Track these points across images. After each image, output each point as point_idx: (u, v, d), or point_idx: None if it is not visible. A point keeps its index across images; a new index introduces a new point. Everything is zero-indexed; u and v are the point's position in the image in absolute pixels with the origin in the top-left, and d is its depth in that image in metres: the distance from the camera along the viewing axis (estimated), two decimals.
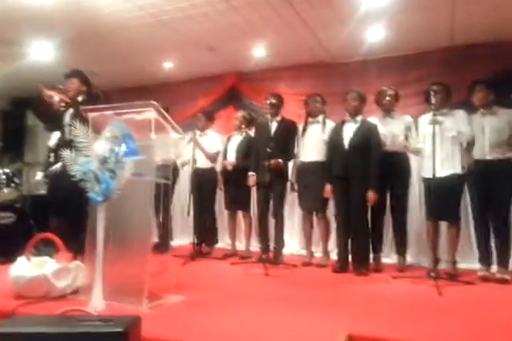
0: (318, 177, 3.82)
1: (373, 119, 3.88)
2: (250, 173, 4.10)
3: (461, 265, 3.83)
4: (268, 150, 3.75)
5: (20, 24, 4.10)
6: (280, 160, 3.87)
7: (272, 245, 4.11)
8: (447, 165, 3.42)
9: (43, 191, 4.61)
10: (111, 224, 2.43)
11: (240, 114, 4.62)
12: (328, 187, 3.73)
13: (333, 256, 3.99)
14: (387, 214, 3.94)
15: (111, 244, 2.43)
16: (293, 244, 4.84)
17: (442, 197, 3.31)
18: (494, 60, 4.22)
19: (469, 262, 3.90)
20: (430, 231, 3.56)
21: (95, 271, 2.35)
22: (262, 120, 4.43)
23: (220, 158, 4.65)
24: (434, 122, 3.30)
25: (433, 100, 3.32)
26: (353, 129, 3.66)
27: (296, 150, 4.08)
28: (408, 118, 3.85)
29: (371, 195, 3.53)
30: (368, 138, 3.60)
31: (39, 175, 4.51)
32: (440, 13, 3.77)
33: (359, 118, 3.71)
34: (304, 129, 4.05)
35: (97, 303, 2.30)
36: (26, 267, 2.63)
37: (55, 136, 4.44)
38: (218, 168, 4.67)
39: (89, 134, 2.40)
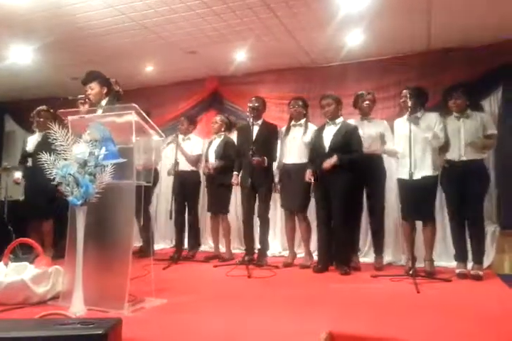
0: (299, 179, 3.87)
1: (351, 122, 3.95)
2: (234, 173, 4.14)
3: (439, 263, 3.93)
4: (250, 152, 3.79)
5: None
6: (265, 158, 3.96)
7: (256, 247, 4.14)
8: (420, 167, 3.50)
9: (22, 197, 4.53)
10: (91, 228, 2.41)
11: (219, 117, 4.67)
12: (308, 172, 3.72)
13: (316, 256, 4.04)
14: (365, 214, 4.01)
15: (91, 248, 2.41)
16: (275, 246, 4.87)
17: (417, 197, 3.39)
18: (470, 64, 4.35)
19: (446, 260, 4.01)
20: (406, 231, 3.64)
21: (75, 275, 2.33)
22: (244, 123, 4.46)
23: (202, 162, 4.67)
24: (409, 126, 3.38)
25: (408, 103, 3.42)
26: (332, 132, 3.73)
27: (278, 153, 4.13)
28: (385, 123, 3.95)
29: (331, 159, 3.53)
30: (348, 139, 3.66)
31: (18, 174, 4.42)
32: (417, 18, 3.86)
33: (339, 120, 3.77)
34: (287, 132, 4.10)
35: (77, 308, 2.28)
36: (3, 273, 2.58)
37: (31, 140, 4.38)
38: (201, 170, 4.68)
39: (68, 137, 2.38)
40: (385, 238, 3.99)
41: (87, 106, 3.11)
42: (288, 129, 4.11)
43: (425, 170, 3.53)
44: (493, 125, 3.63)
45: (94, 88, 3.19)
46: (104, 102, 3.19)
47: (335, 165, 3.54)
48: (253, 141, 3.88)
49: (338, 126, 3.74)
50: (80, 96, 3.15)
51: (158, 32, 4.21)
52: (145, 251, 4.33)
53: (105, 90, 3.23)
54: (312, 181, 3.70)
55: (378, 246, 3.91)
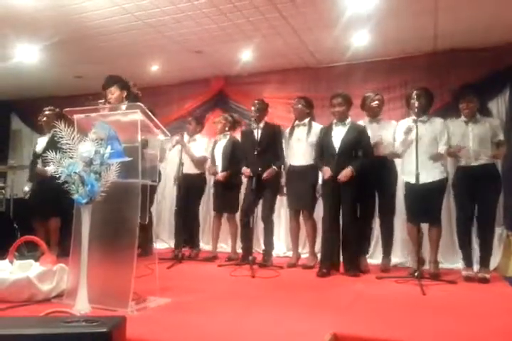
0: (306, 180, 3.86)
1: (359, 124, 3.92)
2: (244, 168, 4.12)
3: (444, 265, 3.91)
4: (255, 153, 3.79)
5: (5, 26, 4.06)
6: (274, 168, 3.96)
7: (260, 247, 4.14)
8: (427, 171, 3.46)
9: (27, 195, 4.55)
10: (96, 227, 2.41)
11: (222, 117, 4.65)
12: (325, 168, 3.63)
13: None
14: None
15: (96, 247, 2.42)
16: (280, 246, 4.85)
17: (424, 201, 3.37)
18: (476, 65, 4.32)
19: (452, 262, 3.98)
20: (411, 232, 3.62)
21: (80, 273, 2.33)
22: (247, 128, 4.43)
23: (207, 164, 4.66)
24: (416, 129, 3.35)
25: (415, 103, 3.39)
26: (342, 132, 3.68)
27: (284, 154, 4.12)
28: (394, 123, 3.91)
29: (346, 171, 3.50)
30: (357, 140, 3.63)
31: (27, 187, 4.45)
32: (424, 18, 3.84)
33: (347, 121, 3.74)
34: (291, 133, 4.09)
35: (82, 306, 2.28)
36: (9, 270, 2.60)
37: (41, 141, 4.40)
38: (207, 172, 4.68)
39: (74, 136, 2.38)
40: (393, 239, 3.96)
41: (107, 111, 3.14)
42: (292, 129, 4.10)
43: (432, 174, 3.51)
44: (502, 131, 3.60)
45: (114, 92, 3.24)
46: (124, 106, 3.23)
47: (352, 175, 3.52)
48: (257, 144, 3.87)
49: (348, 127, 3.69)
50: (100, 101, 3.20)
51: (164, 31, 4.21)
52: (145, 251, 4.34)
53: (125, 94, 3.29)
54: (330, 177, 3.59)
55: (387, 248, 3.89)
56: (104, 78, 3.33)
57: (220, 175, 4.36)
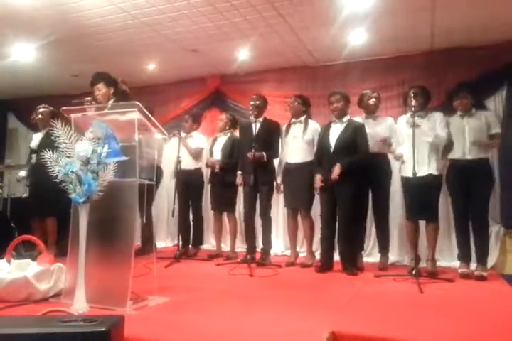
0: (302, 177, 3.86)
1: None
2: (238, 172, 4.13)
3: (442, 263, 3.92)
4: (252, 150, 3.79)
5: (3, 25, 4.03)
6: (263, 153, 3.93)
7: (259, 246, 4.15)
8: (424, 166, 3.47)
9: (25, 194, 4.55)
10: (94, 226, 2.40)
11: (224, 115, 4.67)
12: (317, 177, 3.67)
13: (318, 255, 4.02)
14: (369, 213, 4.00)
15: (94, 246, 2.41)
16: (278, 245, 4.86)
17: (421, 196, 3.38)
18: (473, 63, 4.33)
19: (449, 260, 3.99)
20: (410, 230, 3.63)
21: (78, 273, 2.32)
22: (245, 121, 4.45)
23: (204, 158, 4.69)
24: (412, 124, 3.36)
25: (412, 102, 3.40)
26: (338, 131, 3.69)
27: (280, 151, 4.12)
28: (390, 120, 3.93)
29: (335, 169, 3.49)
30: (354, 138, 3.62)
31: (22, 173, 4.45)
32: (421, 17, 3.84)
33: (345, 118, 3.74)
34: (287, 130, 4.09)
35: (79, 306, 2.27)
36: (6, 270, 2.59)
37: (36, 137, 4.41)
38: (204, 167, 4.69)
39: (71, 135, 2.38)
40: (389, 238, 3.97)
41: (94, 109, 3.14)
42: (288, 127, 4.10)
43: (429, 168, 3.51)
44: (498, 124, 3.62)
45: (101, 89, 3.24)
46: (111, 102, 3.21)
47: (341, 172, 3.51)
48: (254, 138, 3.87)
49: (345, 125, 3.69)
50: (86, 98, 3.19)
51: (160, 30, 4.20)
52: (144, 250, 4.33)
53: (112, 90, 3.30)
54: (320, 185, 3.64)
55: (383, 246, 3.90)
56: (92, 75, 3.32)
57: (216, 163, 4.37)
